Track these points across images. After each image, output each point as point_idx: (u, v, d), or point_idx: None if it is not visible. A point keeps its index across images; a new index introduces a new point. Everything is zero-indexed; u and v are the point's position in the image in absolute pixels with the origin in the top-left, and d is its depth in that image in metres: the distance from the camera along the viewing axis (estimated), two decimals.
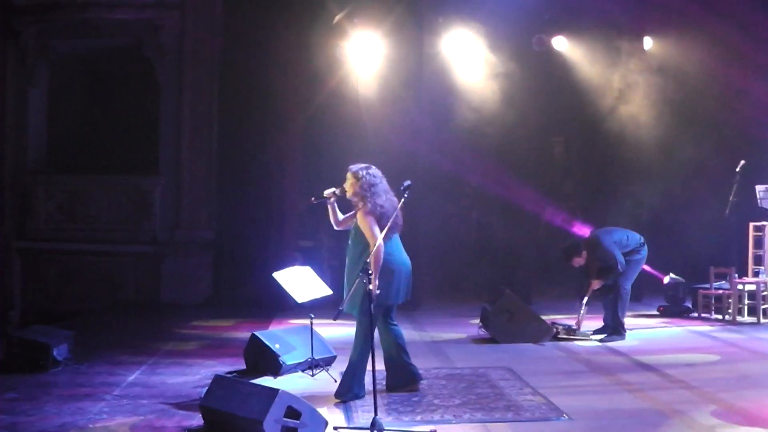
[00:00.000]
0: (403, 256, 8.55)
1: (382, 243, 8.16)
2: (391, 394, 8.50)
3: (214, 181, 16.52)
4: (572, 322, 12.04)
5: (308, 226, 16.37)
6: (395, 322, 8.74)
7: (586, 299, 11.96)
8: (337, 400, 8.34)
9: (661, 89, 16.13)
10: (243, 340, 10.38)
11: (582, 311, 11.95)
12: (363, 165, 8.56)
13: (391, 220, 8.14)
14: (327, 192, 8.54)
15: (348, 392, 8.39)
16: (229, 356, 10.63)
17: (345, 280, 8.45)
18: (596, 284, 11.92)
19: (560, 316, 13.09)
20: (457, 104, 16.04)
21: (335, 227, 8.73)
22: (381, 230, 8.20)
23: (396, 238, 8.51)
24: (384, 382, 8.59)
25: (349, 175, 8.52)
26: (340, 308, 7.43)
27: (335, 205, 8.61)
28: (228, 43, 16.23)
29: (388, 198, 8.41)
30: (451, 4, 15.88)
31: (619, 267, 11.69)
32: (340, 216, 8.65)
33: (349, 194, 8.51)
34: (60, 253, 16.62)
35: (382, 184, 8.45)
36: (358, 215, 8.39)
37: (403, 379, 8.68)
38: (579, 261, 12.04)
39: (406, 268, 8.53)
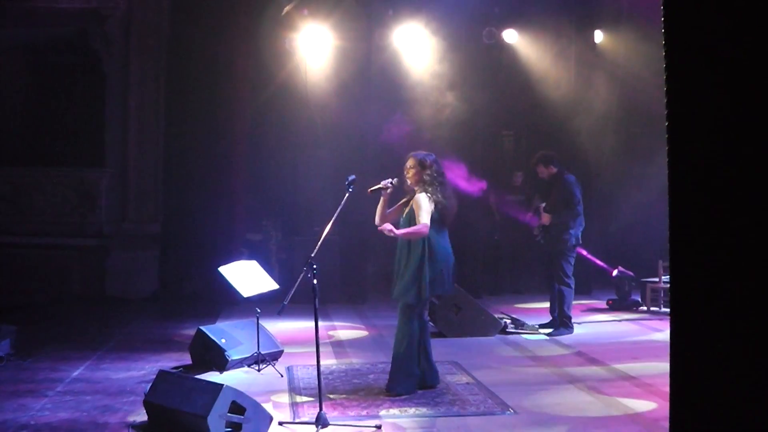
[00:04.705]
0: (449, 249, 8.48)
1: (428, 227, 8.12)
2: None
3: (161, 173, 16.31)
4: (519, 315, 12.11)
5: (256, 219, 16.24)
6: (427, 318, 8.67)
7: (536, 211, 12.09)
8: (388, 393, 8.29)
9: (612, 82, 16.21)
10: (189, 334, 10.29)
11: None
12: (426, 152, 8.41)
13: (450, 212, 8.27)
14: (384, 182, 8.29)
15: (396, 387, 8.32)
16: (175, 351, 10.56)
17: (395, 270, 8.36)
18: (546, 219, 11.89)
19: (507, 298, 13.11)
20: (406, 97, 16.00)
21: (378, 222, 8.34)
22: (443, 222, 8.27)
23: (445, 230, 8.45)
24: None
25: (413, 161, 8.33)
26: (284, 303, 7.29)
27: (388, 197, 8.36)
28: (175, 34, 16.06)
29: (451, 190, 8.38)
30: None
31: (578, 207, 11.71)
32: (387, 211, 8.43)
33: (412, 182, 8.33)
34: (4, 246, 16.29)
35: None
36: (419, 198, 8.20)
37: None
38: (544, 172, 12.06)
39: (452, 261, 8.48)
